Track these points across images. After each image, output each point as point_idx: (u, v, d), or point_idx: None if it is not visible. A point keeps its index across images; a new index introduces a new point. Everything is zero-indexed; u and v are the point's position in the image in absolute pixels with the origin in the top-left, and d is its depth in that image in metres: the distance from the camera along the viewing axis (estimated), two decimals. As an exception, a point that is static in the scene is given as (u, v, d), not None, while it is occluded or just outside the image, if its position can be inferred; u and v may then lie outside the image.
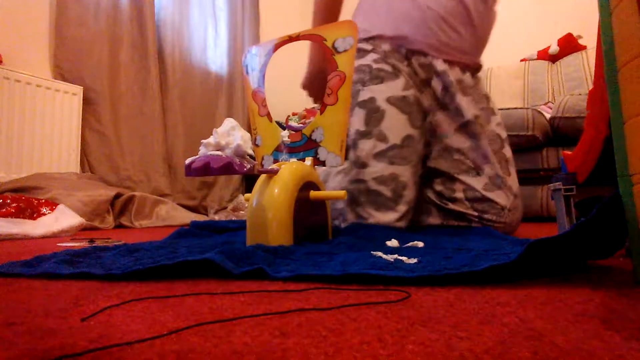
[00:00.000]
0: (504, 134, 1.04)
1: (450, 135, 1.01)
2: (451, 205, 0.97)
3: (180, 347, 0.23)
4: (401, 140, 0.95)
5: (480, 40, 1.06)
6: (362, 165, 0.94)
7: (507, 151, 1.02)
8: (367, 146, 0.95)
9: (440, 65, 1.01)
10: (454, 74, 1.02)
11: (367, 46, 1.05)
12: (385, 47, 1.02)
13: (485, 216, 0.94)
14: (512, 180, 0.99)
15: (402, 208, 0.91)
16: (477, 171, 0.97)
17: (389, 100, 0.97)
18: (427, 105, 1.02)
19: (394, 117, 0.96)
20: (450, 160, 1.01)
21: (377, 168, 0.92)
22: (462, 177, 0.98)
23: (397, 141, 0.94)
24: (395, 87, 0.99)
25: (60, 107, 1.77)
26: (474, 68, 1.08)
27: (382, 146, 0.94)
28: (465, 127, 1.00)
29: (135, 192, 1.83)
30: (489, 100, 1.07)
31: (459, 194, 0.97)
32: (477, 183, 0.96)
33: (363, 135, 0.96)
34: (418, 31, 1.00)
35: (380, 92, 0.98)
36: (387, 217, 0.90)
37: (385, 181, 0.92)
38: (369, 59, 1.03)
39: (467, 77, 1.04)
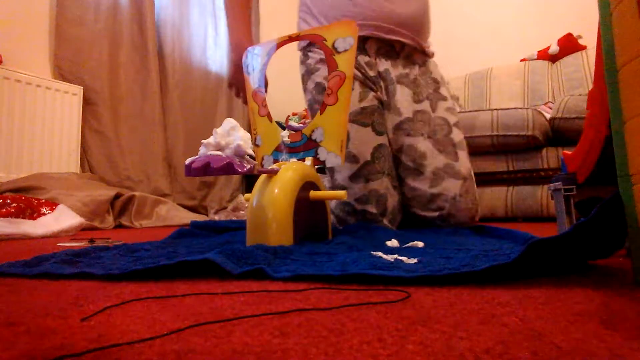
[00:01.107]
0: (453, 119, 1.03)
1: (390, 133, 1.02)
2: (417, 213, 0.99)
3: (180, 347, 0.23)
4: (371, 154, 0.97)
5: (418, 17, 1.04)
6: (342, 189, 0.97)
7: (456, 135, 1.01)
8: (343, 169, 0.97)
9: (382, 65, 1.03)
10: (396, 71, 1.03)
11: (316, 55, 1.05)
12: None
13: (443, 213, 0.94)
14: (461, 164, 0.98)
15: (389, 217, 0.96)
16: (420, 170, 0.98)
17: (349, 119, 0.98)
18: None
19: (358, 133, 0.98)
20: (397, 162, 1.02)
21: (357, 189, 0.95)
22: (409, 182, 0.99)
23: (367, 158, 0.97)
24: (352, 102, 0.99)
25: (60, 107, 1.77)
26: (423, 53, 1.07)
27: (354, 167, 0.96)
28: (402, 126, 1.00)
29: (135, 192, 1.83)
30: (439, 85, 1.06)
31: (416, 209, 0.98)
32: (423, 184, 0.97)
33: None
34: (349, 14, 0.99)
35: None
36: None
37: (368, 199, 0.95)
38: (320, 76, 1.03)
39: (412, 70, 1.04)
